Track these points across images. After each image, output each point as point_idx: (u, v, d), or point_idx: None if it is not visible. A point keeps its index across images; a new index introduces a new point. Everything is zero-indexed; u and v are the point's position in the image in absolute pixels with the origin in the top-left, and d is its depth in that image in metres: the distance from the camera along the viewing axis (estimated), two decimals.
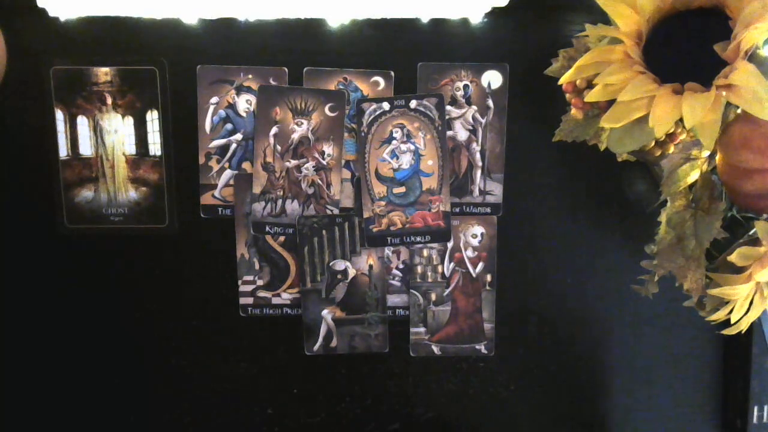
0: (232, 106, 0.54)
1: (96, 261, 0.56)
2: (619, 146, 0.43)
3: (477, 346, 0.58)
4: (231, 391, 0.58)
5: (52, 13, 0.51)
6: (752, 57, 0.39)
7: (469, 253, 0.57)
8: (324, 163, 0.55)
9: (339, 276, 0.57)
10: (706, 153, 0.47)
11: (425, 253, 0.57)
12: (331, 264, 0.56)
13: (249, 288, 0.57)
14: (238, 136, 0.55)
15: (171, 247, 0.56)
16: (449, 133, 0.55)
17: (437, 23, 0.54)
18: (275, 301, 0.57)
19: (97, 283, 0.56)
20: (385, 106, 0.55)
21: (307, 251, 0.56)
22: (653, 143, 0.47)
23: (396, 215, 0.56)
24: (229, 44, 0.53)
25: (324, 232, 0.56)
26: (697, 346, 0.59)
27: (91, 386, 0.58)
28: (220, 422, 0.59)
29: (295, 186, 0.56)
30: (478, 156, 0.56)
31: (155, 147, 0.55)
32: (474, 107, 0.55)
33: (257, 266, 0.56)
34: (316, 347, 0.58)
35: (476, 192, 0.56)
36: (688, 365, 0.59)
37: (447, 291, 0.57)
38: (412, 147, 0.55)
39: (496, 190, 0.56)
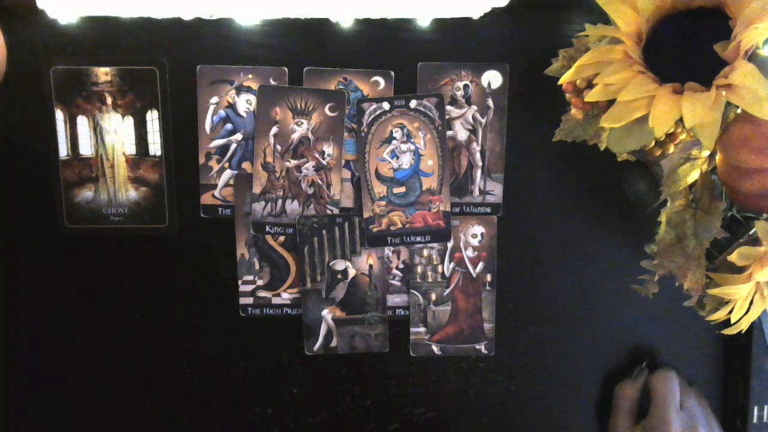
0: (232, 106, 0.54)
1: (96, 261, 0.56)
2: (619, 146, 0.43)
3: (477, 346, 0.58)
4: (231, 391, 0.58)
5: (51, 14, 0.51)
6: (752, 57, 0.39)
7: (469, 253, 0.57)
8: (324, 163, 0.55)
9: (339, 276, 0.57)
10: (706, 153, 0.47)
11: (425, 253, 0.57)
12: (331, 264, 0.56)
13: (249, 288, 0.57)
14: (238, 136, 0.55)
15: (171, 247, 0.56)
16: (449, 133, 0.55)
17: (437, 23, 0.54)
18: (275, 301, 0.57)
19: (96, 283, 0.56)
20: (385, 106, 0.55)
21: (307, 251, 0.56)
22: (653, 143, 0.47)
23: (396, 215, 0.56)
24: (229, 44, 0.53)
25: (324, 232, 0.56)
26: (697, 346, 0.59)
27: (90, 386, 0.58)
28: (220, 422, 0.59)
29: (295, 186, 0.56)
30: (478, 156, 0.56)
31: (155, 147, 0.55)
32: (474, 107, 0.55)
33: (257, 266, 0.56)
34: (316, 347, 0.58)
35: (476, 192, 0.56)
36: (688, 365, 0.59)
37: (447, 291, 0.57)
38: (412, 147, 0.55)
39: (496, 190, 0.56)
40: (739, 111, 0.43)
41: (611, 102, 0.42)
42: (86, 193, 0.55)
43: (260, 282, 0.57)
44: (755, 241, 0.46)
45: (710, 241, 0.46)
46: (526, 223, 0.57)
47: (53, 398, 0.58)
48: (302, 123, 0.55)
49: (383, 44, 0.54)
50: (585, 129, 0.49)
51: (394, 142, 0.55)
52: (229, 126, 0.55)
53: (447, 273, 0.57)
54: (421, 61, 0.54)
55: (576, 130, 0.50)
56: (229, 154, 0.55)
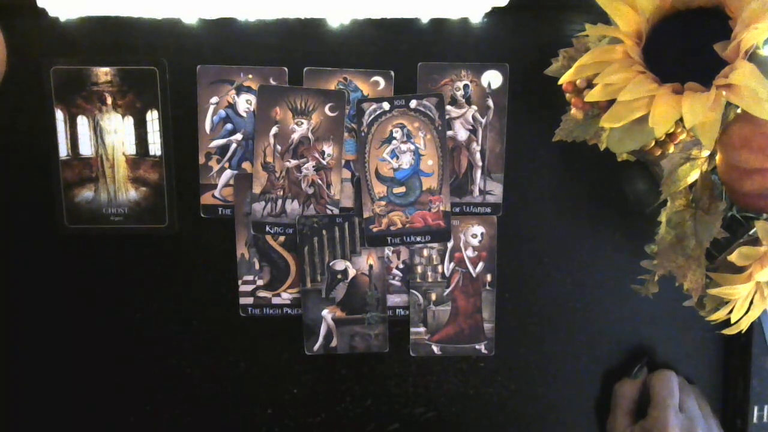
0: (232, 106, 0.54)
1: (96, 261, 0.56)
2: (619, 146, 0.43)
3: (477, 346, 0.58)
4: (231, 391, 0.58)
5: (52, 13, 0.51)
6: (752, 57, 0.39)
7: (469, 253, 0.57)
8: (324, 163, 0.55)
9: (339, 276, 0.57)
10: (706, 153, 0.47)
11: (425, 253, 0.57)
12: (331, 264, 0.56)
13: (249, 288, 0.57)
14: (238, 136, 0.55)
15: (171, 247, 0.56)
16: (449, 133, 0.55)
17: (437, 23, 0.54)
18: (275, 301, 0.57)
19: (96, 283, 0.56)
20: (385, 106, 0.55)
21: (307, 251, 0.56)
22: (653, 143, 0.47)
23: (396, 215, 0.56)
24: (229, 44, 0.53)
25: (324, 232, 0.56)
26: (697, 346, 0.59)
27: (90, 386, 0.58)
28: (220, 422, 0.59)
29: (295, 186, 0.56)
30: (478, 156, 0.56)
31: (155, 147, 0.55)
32: (474, 107, 0.55)
33: (257, 266, 0.56)
34: (316, 347, 0.58)
35: (476, 192, 0.56)
36: (688, 365, 0.59)
37: (447, 291, 0.57)
38: (412, 147, 0.55)
39: (496, 190, 0.56)
40: (739, 111, 0.43)
41: (611, 102, 0.42)
42: (86, 193, 0.55)
43: (260, 282, 0.57)
44: (755, 241, 0.46)
45: (710, 241, 0.46)
46: (526, 223, 0.57)
47: (53, 398, 0.58)
48: (302, 123, 0.55)
49: (383, 44, 0.54)
50: (585, 129, 0.49)
51: (394, 142, 0.55)
52: (229, 126, 0.55)
53: (447, 273, 0.57)
54: (421, 61, 0.54)
55: (576, 130, 0.50)
56: (229, 154, 0.55)
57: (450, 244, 0.57)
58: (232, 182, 0.55)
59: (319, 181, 0.55)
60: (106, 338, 0.57)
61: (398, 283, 0.57)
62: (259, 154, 0.55)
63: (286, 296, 0.57)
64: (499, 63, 0.54)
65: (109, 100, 0.54)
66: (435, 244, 0.57)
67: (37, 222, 0.55)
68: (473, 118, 0.55)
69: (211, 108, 0.54)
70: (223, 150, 0.55)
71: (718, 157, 0.44)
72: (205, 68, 0.54)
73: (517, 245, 0.57)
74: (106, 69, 0.53)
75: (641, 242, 0.54)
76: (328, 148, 0.55)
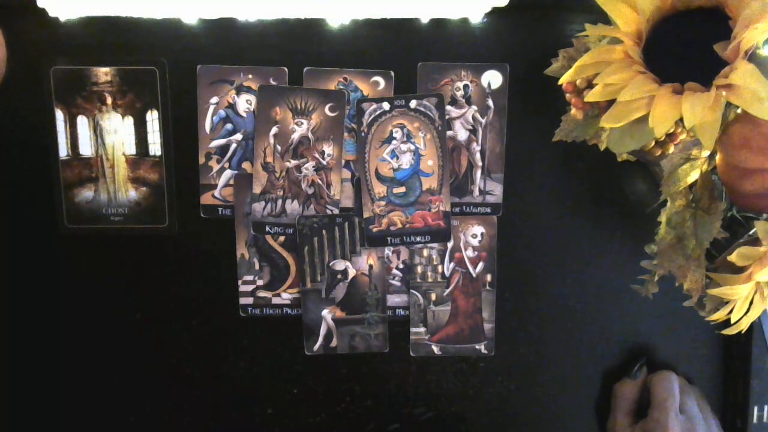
0: (232, 106, 0.54)
1: (96, 261, 0.56)
2: (619, 146, 0.43)
3: (477, 346, 0.58)
4: (231, 391, 0.58)
5: (52, 13, 0.51)
6: (752, 57, 0.39)
7: (469, 253, 0.57)
8: (324, 163, 0.55)
9: (339, 276, 0.57)
10: (706, 153, 0.47)
11: (425, 253, 0.57)
12: (331, 264, 0.56)
13: (249, 288, 0.57)
14: (238, 136, 0.55)
15: (171, 247, 0.56)
16: (449, 133, 0.55)
17: (437, 23, 0.54)
18: (275, 301, 0.57)
19: (96, 284, 0.56)
20: (385, 106, 0.55)
21: (307, 251, 0.56)
22: (653, 143, 0.47)
23: (396, 215, 0.56)
24: (229, 44, 0.53)
25: (324, 232, 0.56)
26: (697, 346, 0.59)
27: (90, 386, 0.58)
28: (220, 422, 0.59)
29: (295, 186, 0.56)
30: (478, 156, 0.56)
31: (155, 147, 0.55)
32: (474, 107, 0.55)
33: (257, 266, 0.56)
34: (316, 347, 0.58)
35: (476, 192, 0.56)
36: (688, 365, 0.59)
37: (447, 291, 0.57)
38: (412, 147, 0.55)
39: (496, 190, 0.56)
40: (739, 111, 0.43)
41: (611, 102, 0.42)
42: (86, 193, 0.55)
43: (260, 282, 0.57)
44: (755, 241, 0.46)
45: (710, 241, 0.46)
46: (526, 223, 0.57)
47: (53, 398, 0.58)
48: (302, 123, 0.55)
49: (383, 44, 0.54)
50: (585, 129, 0.49)
51: (394, 142, 0.55)
52: (229, 126, 0.55)
53: (447, 273, 0.57)
54: (421, 61, 0.54)
55: (576, 130, 0.50)
56: (229, 154, 0.55)
57: (450, 244, 0.57)
58: (232, 182, 0.55)
59: (319, 181, 0.55)
60: (106, 338, 0.57)
61: (398, 283, 0.57)
62: (259, 154, 0.55)
63: (286, 296, 0.57)
64: (499, 63, 0.54)
65: (109, 100, 0.54)
66: (435, 244, 0.57)
67: (37, 222, 0.55)
68: (473, 118, 0.55)
69: (211, 108, 0.54)
70: (223, 150, 0.55)
71: (718, 157, 0.44)
72: (205, 68, 0.54)
73: (517, 245, 0.57)
74: (106, 69, 0.53)
75: (641, 242, 0.53)
76: (328, 148, 0.55)
